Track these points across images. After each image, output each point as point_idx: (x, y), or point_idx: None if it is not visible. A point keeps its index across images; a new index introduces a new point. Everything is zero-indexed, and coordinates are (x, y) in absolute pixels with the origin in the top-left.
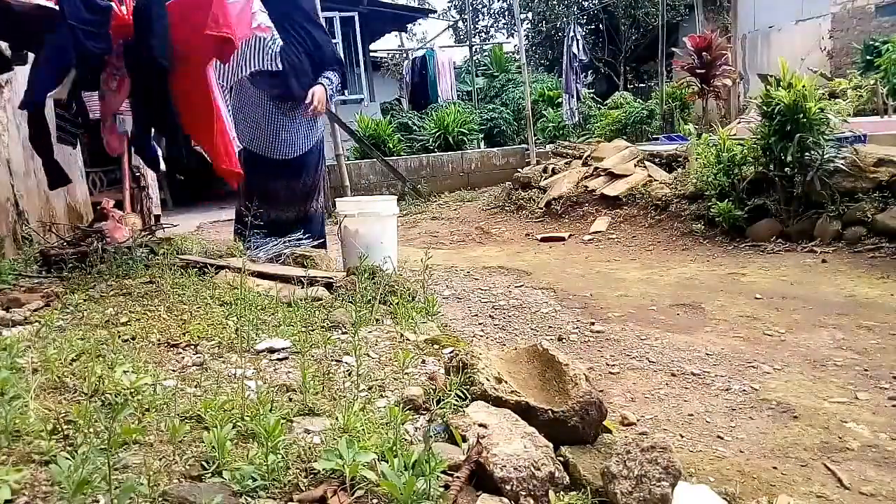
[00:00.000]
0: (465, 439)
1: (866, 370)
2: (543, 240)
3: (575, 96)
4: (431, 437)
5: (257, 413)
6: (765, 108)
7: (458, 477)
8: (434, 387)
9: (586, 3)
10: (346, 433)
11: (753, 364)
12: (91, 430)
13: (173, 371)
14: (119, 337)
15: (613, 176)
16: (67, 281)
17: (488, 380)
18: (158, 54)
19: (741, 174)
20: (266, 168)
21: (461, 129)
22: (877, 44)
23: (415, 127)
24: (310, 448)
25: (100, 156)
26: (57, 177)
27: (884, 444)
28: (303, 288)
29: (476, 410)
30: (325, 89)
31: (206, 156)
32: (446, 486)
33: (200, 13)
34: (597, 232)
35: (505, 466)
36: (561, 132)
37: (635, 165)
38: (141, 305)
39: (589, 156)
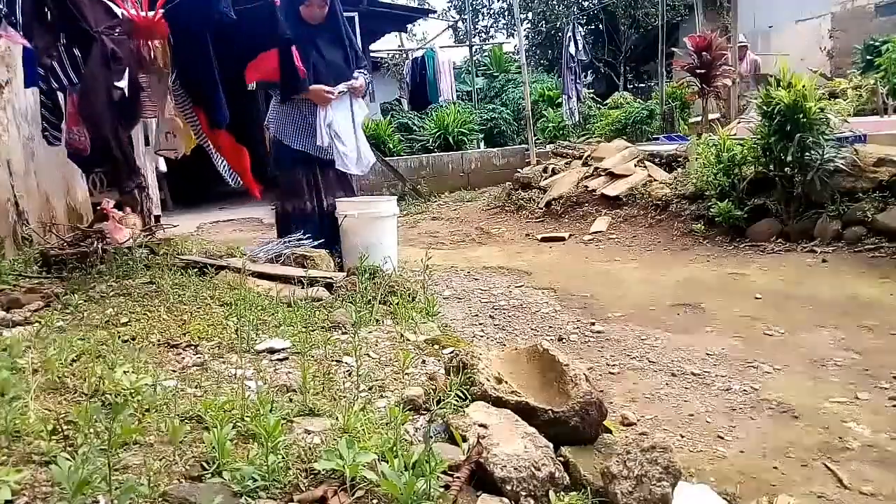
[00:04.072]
0: (465, 439)
1: (866, 370)
2: (543, 240)
3: (574, 96)
4: (432, 437)
5: (257, 413)
6: (765, 107)
7: (458, 477)
8: (434, 387)
9: (586, 3)
10: (347, 433)
11: (753, 364)
12: (91, 430)
13: (173, 371)
14: (119, 337)
15: (613, 176)
16: (67, 281)
17: (488, 380)
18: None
19: (741, 174)
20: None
21: (461, 130)
22: (877, 44)
23: (415, 127)
24: (310, 448)
25: None
26: None
27: (884, 444)
28: (303, 288)
29: (476, 411)
30: None
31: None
32: (446, 487)
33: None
34: (597, 232)
35: (505, 466)
36: (561, 132)
37: (635, 165)
38: (141, 306)
39: (589, 156)
